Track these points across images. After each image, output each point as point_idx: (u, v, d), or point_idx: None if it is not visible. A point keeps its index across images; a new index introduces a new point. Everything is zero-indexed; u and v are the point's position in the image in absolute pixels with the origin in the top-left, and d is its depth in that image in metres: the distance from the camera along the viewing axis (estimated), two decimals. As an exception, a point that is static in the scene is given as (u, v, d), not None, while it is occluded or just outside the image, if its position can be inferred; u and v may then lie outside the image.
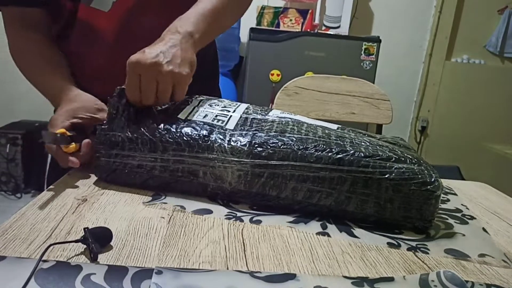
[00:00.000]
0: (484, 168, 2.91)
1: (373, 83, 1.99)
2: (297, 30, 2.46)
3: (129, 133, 0.60)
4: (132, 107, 0.63)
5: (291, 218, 0.57)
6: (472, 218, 0.65)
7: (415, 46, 2.96)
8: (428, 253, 0.51)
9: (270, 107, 2.49)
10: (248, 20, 2.50)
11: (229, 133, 0.60)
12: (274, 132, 0.60)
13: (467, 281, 0.43)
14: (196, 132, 0.59)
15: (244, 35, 2.53)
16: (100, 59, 0.84)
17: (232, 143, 0.58)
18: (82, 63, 0.84)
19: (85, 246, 0.44)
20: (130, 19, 0.81)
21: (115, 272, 0.39)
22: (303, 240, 0.51)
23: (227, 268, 0.43)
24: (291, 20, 2.50)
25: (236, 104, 0.70)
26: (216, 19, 0.73)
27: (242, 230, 0.53)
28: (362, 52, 2.31)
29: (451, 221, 0.63)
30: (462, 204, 0.71)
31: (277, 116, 0.67)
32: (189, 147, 0.58)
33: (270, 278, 0.41)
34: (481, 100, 2.99)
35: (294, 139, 0.59)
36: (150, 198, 0.59)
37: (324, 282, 0.41)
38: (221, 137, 0.59)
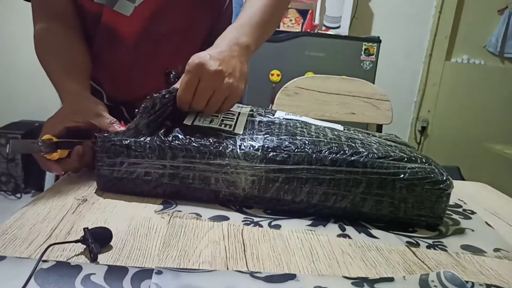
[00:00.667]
0: (484, 168, 2.91)
1: (373, 83, 1.99)
2: (297, 30, 2.46)
3: (145, 136, 0.58)
4: (168, 111, 0.60)
5: (309, 222, 0.57)
6: (473, 212, 0.67)
7: (415, 46, 2.96)
8: (446, 250, 0.53)
9: (270, 107, 2.48)
10: (248, 20, 2.50)
11: (240, 138, 0.59)
12: (285, 135, 0.60)
13: (467, 281, 0.43)
14: (206, 138, 0.58)
15: (244, 35, 2.53)
16: (120, 63, 0.84)
17: (244, 148, 0.57)
18: (103, 66, 0.84)
19: (85, 246, 0.44)
20: (150, 24, 0.81)
21: (115, 272, 0.39)
22: (303, 240, 0.51)
23: (227, 268, 0.43)
24: (291, 20, 2.50)
25: (238, 106, 0.69)
26: (265, 31, 0.73)
27: (242, 230, 0.53)
28: (362, 52, 2.31)
29: (455, 216, 0.64)
30: (459, 199, 0.73)
31: (284, 118, 0.66)
32: (200, 154, 0.56)
33: (270, 278, 0.41)
34: (481, 100, 2.99)
35: (307, 142, 0.58)
36: (161, 207, 0.57)
37: (324, 282, 0.41)
38: (232, 142, 0.57)
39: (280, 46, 2.25)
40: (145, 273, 0.39)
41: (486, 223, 0.63)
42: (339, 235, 0.54)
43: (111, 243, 0.46)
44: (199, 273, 0.41)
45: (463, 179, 2.56)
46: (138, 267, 0.41)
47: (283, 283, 0.40)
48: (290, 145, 0.57)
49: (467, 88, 2.99)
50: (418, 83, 3.04)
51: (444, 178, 0.57)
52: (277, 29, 2.45)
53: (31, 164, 2.77)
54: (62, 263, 0.40)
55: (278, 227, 0.54)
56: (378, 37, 2.33)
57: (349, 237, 0.53)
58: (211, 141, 0.57)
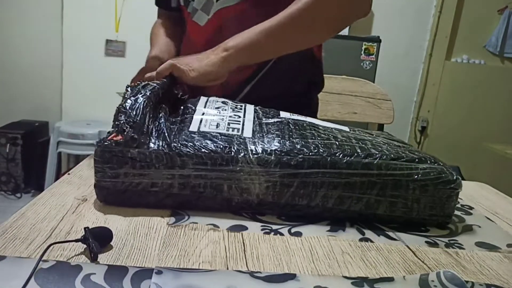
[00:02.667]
0: (484, 168, 2.91)
1: (373, 83, 1.99)
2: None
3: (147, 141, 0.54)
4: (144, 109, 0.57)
5: (327, 227, 0.56)
6: (471, 208, 0.69)
7: (415, 46, 2.96)
8: (464, 249, 0.54)
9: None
10: (248, 20, 2.50)
11: (250, 142, 0.56)
12: (296, 138, 0.58)
13: (467, 281, 0.43)
14: (216, 144, 0.55)
15: (244, 35, 2.53)
16: None
17: (257, 153, 0.54)
18: None
19: (85, 246, 0.44)
20: (218, 34, 0.86)
21: (115, 272, 0.39)
22: (303, 240, 0.51)
23: (227, 268, 0.43)
24: (291, 20, 2.49)
25: (241, 106, 0.67)
26: (270, 36, 0.76)
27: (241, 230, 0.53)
28: (362, 52, 2.31)
29: (458, 213, 0.65)
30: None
31: (291, 119, 0.65)
32: (211, 160, 0.53)
33: (270, 278, 0.41)
34: (481, 100, 2.99)
35: (320, 144, 0.57)
36: (173, 219, 0.53)
37: (324, 282, 0.41)
38: (244, 147, 0.55)
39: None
40: (145, 273, 0.39)
41: (487, 217, 0.65)
42: (360, 239, 0.53)
43: (111, 243, 0.46)
44: (199, 273, 0.41)
45: (463, 179, 2.56)
46: (138, 267, 0.41)
47: (283, 283, 0.40)
48: (303, 148, 0.56)
49: (467, 88, 2.99)
50: (418, 83, 3.04)
51: (455, 177, 0.58)
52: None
53: (31, 164, 2.77)
54: (62, 262, 0.40)
55: (299, 234, 0.53)
56: (378, 37, 2.34)
57: (371, 241, 0.53)
58: (221, 146, 0.55)
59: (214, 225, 0.53)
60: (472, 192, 0.78)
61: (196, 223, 0.53)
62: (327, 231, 0.55)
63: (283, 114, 0.67)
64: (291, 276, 0.41)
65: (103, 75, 2.90)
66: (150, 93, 0.60)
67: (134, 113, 0.56)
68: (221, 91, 0.93)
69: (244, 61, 0.77)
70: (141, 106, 0.57)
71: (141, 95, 0.59)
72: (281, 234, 0.52)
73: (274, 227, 0.54)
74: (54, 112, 2.95)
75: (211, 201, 0.56)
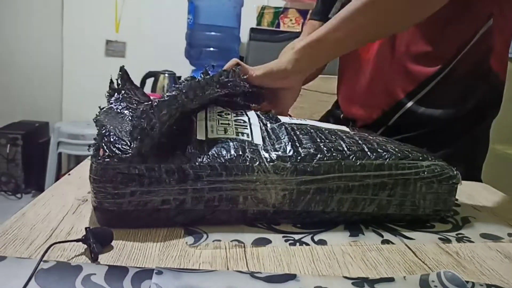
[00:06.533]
0: (485, 168, 2.91)
1: (373, 83, 1.99)
2: (298, 31, 2.46)
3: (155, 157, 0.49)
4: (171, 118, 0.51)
5: (347, 232, 0.55)
6: (456, 199, 0.70)
7: (415, 46, 2.95)
8: (473, 242, 0.55)
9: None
10: (248, 20, 2.50)
11: (263, 149, 0.53)
12: (306, 142, 0.56)
13: (467, 281, 0.43)
14: (228, 152, 0.51)
15: (244, 35, 2.54)
16: (358, 84, 0.89)
17: (272, 160, 0.52)
18: (342, 84, 0.92)
19: (85, 246, 0.44)
20: (384, 49, 0.84)
21: (116, 272, 0.39)
22: (316, 245, 0.51)
23: (227, 269, 0.43)
24: (291, 20, 2.50)
25: (241, 110, 0.64)
26: (343, 25, 0.70)
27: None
28: (362, 52, 2.31)
29: None
30: None
31: (293, 123, 0.62)
32: (226, 171, 0.50)
33: (270, 279, 0.41)
34: (481, 100, 2.98)
35: (332, 148, 0.56)
36: (192, 239, 0.49)
37: (325, 283, 0.41)
38: (257, 154, 0.52)
39: (280, 46, 2.21)
40: (145, 273, 0.39)
41: (473, 207, 0.68)
42: (382, 242, 0.53)
43: (112, 243, 0.46)
44: (200, 273, 0.41)
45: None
46: (139, 267, 0.41)
47: (283, 283, 0.40)
48: (317, 153, 0.54)
49: (467, 88, 2.99)
50: (418, 83, 3.04)
51: (455, 172, 0.59)
52: (277, 29, 2.45)
53: (31, 164, 2.78)
54: (62, 263, 0.40)
55: (324, 243, 0.52)
56: (378, 37, 2.33)
57: (392, 243, 0.53)
58: (235, 154, 0.51)
59: (238, 241, 0.50)
60: (472, 192, 0.78)
61: (220, 240, 0.49)
62: (349, 236, 0.54)
63: (283, 119, 0.64)
64: (291, 277, 0.41)
65: (103, 75, 2.89)
66: (177, 108, 0.51)
67: (150, 128, 0.48)
68: (376, 104, 0.88)
69: (318, 55, 0.72)
70: (163, 125, 0.49)
71: (167, 110, 0.49)
72: (307, 244, 0.51)
73: (296, 236, 0.53)
74: (54, 113, 2.95)
75: (226, 215, 0.52)
